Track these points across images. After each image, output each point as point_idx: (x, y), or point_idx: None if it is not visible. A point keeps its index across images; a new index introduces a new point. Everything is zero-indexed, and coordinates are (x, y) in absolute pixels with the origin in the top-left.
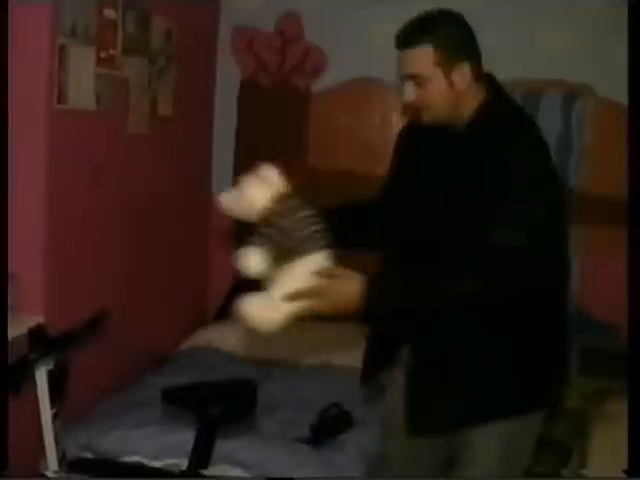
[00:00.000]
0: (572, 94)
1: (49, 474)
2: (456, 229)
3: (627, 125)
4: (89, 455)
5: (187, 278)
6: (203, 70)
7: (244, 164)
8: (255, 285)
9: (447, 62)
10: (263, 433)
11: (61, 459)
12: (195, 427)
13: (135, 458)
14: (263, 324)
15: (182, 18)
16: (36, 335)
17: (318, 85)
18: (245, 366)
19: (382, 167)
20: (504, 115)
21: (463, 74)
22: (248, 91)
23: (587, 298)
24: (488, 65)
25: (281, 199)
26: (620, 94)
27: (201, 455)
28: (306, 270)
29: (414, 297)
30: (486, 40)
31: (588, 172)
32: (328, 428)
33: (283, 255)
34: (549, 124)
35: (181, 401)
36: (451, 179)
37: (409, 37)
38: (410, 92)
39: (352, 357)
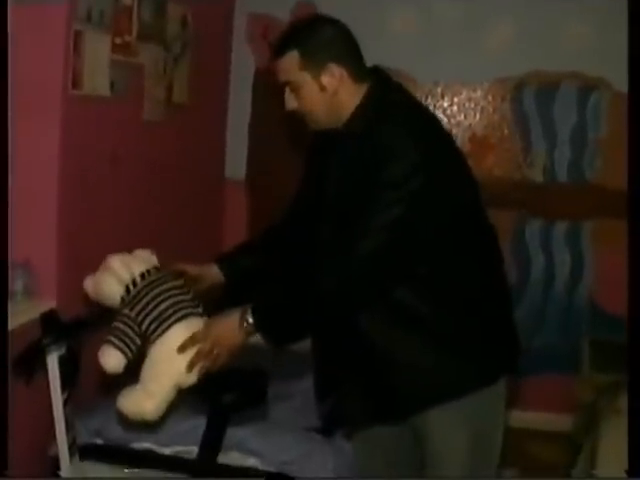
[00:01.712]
0: (588, 87)
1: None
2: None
3: (627, 114)
4: (99, 441)
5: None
6: (218, 57)
7: (257, 152)
8: None
9: (313, 66)
10: (275, 421)
11: (71, 444)
12: (206, 414)
13: (146, 445)
14: (141, 416)
15: (198, 4)
16: (48, 320)
17: None
18: (257, 354)
19: None
20: (377, 112)
21: (332, 75)
22: (263, 79)
23: (601, 292)
24: (502, 59)
25: (146, 277)
26: None
27: (212, 443)
28: (170, 346)
29: (296, 302)
30: (502, 33)
31: (603, 165)
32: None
33: (141, 343)
34: (564, 117)
35: (192, 388)
36: (334, 180)
37: (278, 46)
38: (290, 100)
39: None
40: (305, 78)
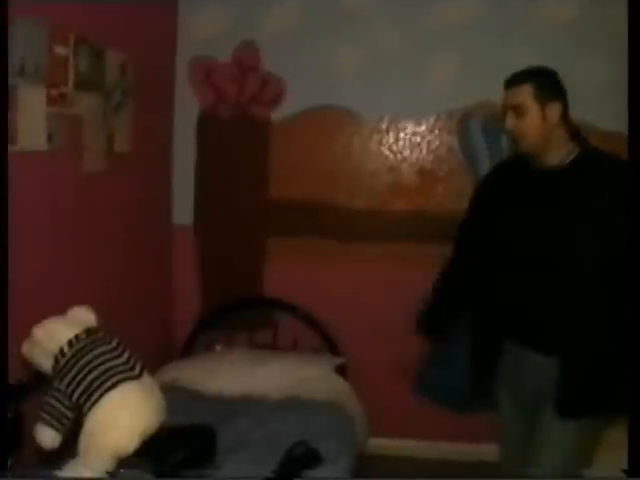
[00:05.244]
0: None
1: None
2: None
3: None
4: None
5: (152, 314)
6: (161, 103)
7: (204, 196)
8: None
9: (542, 98)
10: (229, 472)
11: None
12: (154, 475)
13: None
14: None
15: (137, 51)
16: None
17: (277, 115)
18: (211, 404)
19: (344, 196)
20: (604, 163)
21: (554, 110)
22: (207, 122)
23: None
24: (447, 91)
25: (74, 343)
26: (586, 113)
27: None
28: (104, 417)
29: None
30: (446, 65)
31: None
32: (295, 466)
33: (76, 413)
34: (513, 146)
35: (139, 449)
36: (548, 212)
37: (515, 79)
38: (511, 120)
39: (321, 391)
40: (534, 106)
